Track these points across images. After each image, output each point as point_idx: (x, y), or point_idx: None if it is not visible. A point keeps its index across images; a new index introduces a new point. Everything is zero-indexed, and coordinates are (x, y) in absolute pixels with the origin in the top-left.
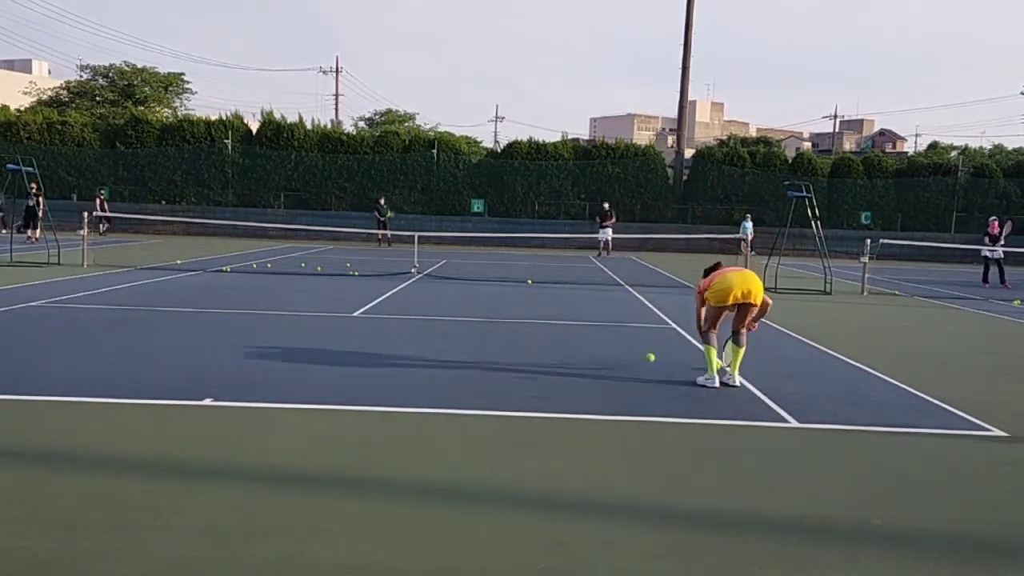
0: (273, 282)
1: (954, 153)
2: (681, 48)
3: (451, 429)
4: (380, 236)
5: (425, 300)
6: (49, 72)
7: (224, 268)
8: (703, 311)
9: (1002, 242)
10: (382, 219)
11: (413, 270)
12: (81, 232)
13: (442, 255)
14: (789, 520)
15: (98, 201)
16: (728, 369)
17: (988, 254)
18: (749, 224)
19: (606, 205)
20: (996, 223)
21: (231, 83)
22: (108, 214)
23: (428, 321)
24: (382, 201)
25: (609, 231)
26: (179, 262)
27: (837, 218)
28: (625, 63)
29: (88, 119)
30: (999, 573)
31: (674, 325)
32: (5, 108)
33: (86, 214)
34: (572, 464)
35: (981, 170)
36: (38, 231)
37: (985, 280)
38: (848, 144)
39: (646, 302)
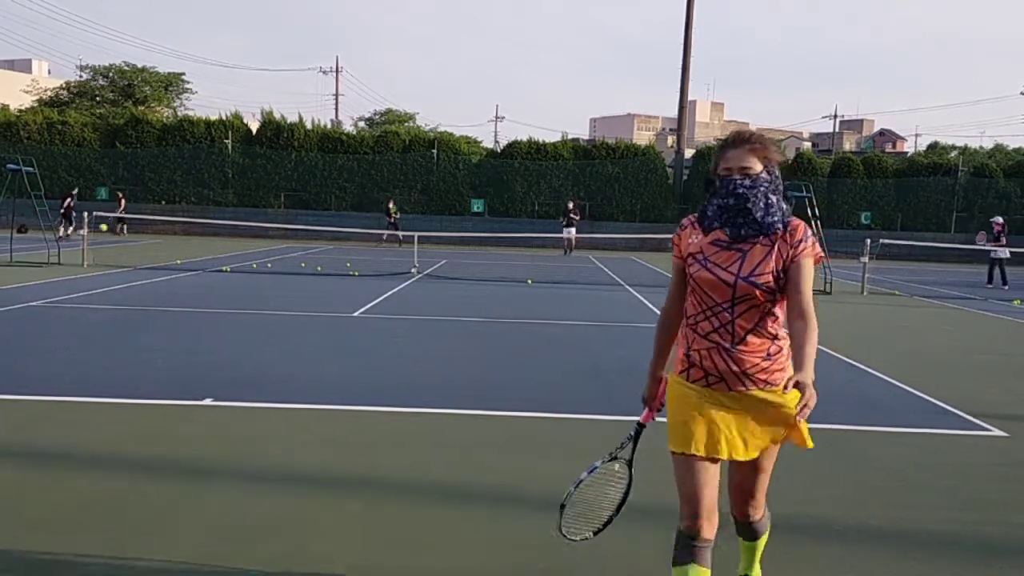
0: (273, 282)
1: (954, 153)
2: (681, 48)
3: (451, 429)
4: (387, 236)
5: (425, 300)
6: (49, 72)
7: (224, 268)
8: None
9: (1002, 241)
10: (392, 220)
11: (413, 270)
12: (81, 232)
13: (442, 255)
14: (789, 520)
15: (121, 202)
16: None
17: (994, 254)
18: None
19: (571, 204)
20: (997, 224)
21: (231, 83)
22: (105, 214)
23: (428, 321)
24: (391, 204)
25: (573, 230)
26: (179, 262)
27: (837, 218)
28: (625, 63)
29: (88, 119)
30: (999, 573)
31: None
32: (5, 108)
33: (86, 214)
34: (572, 464)
35: (981, 170)
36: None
37: (990, 280)
38: (848, 144)
39: (646, 302)
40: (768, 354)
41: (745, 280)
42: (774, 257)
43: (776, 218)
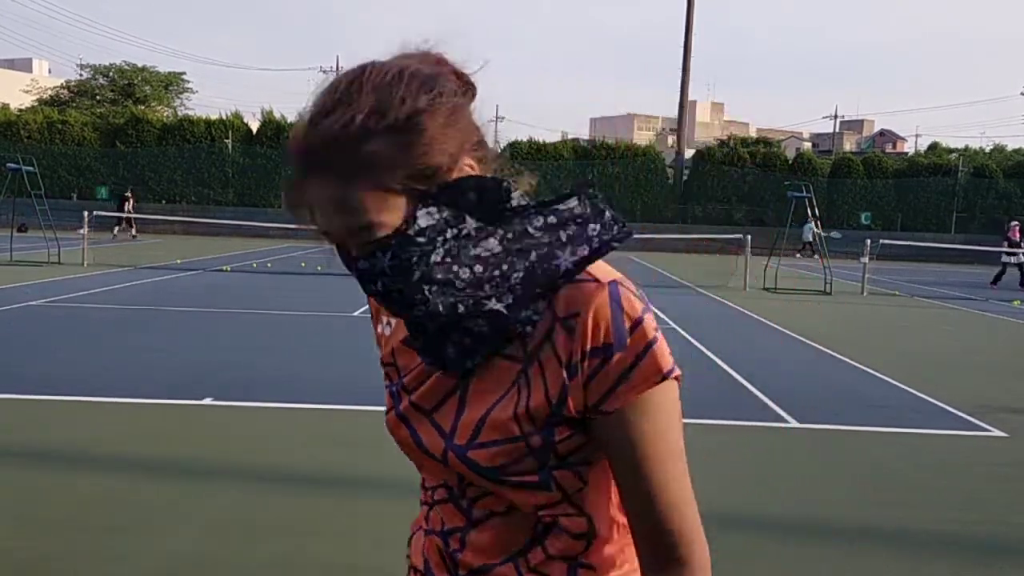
0: (273, 282)
1: (954, 155)
2: (681, 49)
3: None
4: None
5: None
6: (49, 71)
7: (224, 268)
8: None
9: (1022, 247)
10: None
11: None
12: (81, 231)
13: None
14: (789, 520)
15: (130, 202)
16: None
17: (1007, 259)
18: (811, 225)
19: None
20: (1017, 228)
21: (231, 83)
22: (119, 214)
23: None
24: None
25: None
26: (179, 262)
27: (837, 218)
28: (625, 63)
29: (88, 118)
30: (999, 573)
31: (674, 325)
32: (5, 107)
33: (86, 213)
34: None
35: (981, 171)
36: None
37: (995, 282)
38: (848, 144)
39: None
40: None
41: (462, 456)
42: (531, 396)
43: (518, 313)
